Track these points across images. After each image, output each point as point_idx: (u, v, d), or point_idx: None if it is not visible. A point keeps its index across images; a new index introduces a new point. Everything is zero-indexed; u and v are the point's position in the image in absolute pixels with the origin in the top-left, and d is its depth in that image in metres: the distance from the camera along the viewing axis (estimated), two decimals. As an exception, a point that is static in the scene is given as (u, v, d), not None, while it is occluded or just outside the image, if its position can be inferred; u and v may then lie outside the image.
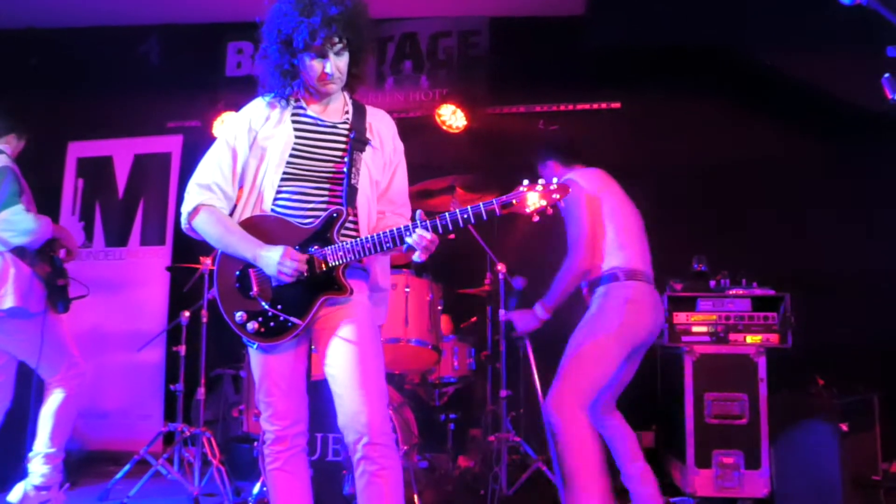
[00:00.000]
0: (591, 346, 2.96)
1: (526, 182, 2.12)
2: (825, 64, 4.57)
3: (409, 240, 2.12)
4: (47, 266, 3.44)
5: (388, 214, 2.41)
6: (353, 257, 2.19)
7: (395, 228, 2.15)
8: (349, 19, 2.18)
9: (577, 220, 3.10)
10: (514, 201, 2.11)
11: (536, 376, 3.85)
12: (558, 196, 2.10)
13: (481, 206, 2.10)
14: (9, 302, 3.25)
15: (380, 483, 2.14)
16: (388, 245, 2.15)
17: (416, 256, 2.14)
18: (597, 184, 3.20)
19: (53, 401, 3.45)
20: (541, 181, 2.11)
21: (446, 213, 2.13)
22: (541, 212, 2.11)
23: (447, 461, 4.14)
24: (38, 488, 3.40)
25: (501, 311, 3.88)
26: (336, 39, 2.18)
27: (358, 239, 2.19)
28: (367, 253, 2.18)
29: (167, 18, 5.60)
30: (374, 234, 2.17)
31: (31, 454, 3.43)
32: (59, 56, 5.54)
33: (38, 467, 3.40)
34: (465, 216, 2.10)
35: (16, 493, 3.42)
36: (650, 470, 3.13)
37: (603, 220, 3.11)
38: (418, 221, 2.12)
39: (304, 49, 2.17)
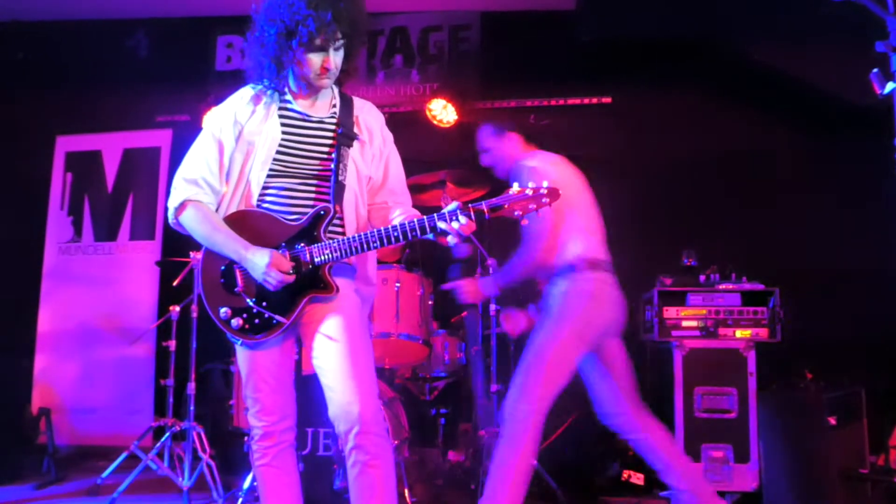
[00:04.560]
0: (553, 347, 2.83)
1: (516, 185, 2.11)
2: (816, 59, 4.58)
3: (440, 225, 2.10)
4: None
5: (391, 205, 2.39)
6: (339, 256, 2.18)
7: (413, 220, 2.13)
8: (352, 15, 2.16)
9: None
10: (504, 205, 2.09)
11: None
12: (548, 200, 2.09)
13: (470, 206, 2.08)
14: None
15: (372, 473, 2.13)
16: (415, 235, 2.13)
17: (451, 240, 2.12)
18: (561, 170, 3.08)
19: None
20: (530, 184, 2.10)
21: (434, 214, 2.12)
22: (530, 216, 2.10)
23: (438, 455, 4.15)
24: None
25: (492, 306, 3.87)
26: (339, 35, 2.16)
27: (346, 237, 2.18)
28: (354, 252, 2.17)
29: (155, 12, 5.55)
30: (385, 228, 2.14)
31: None
32: (47, 49, 5.50)
33: None
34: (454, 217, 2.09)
35: None
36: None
37: (564, 208, 2.95)
38: (457, 212, 2.08)
39: (306, 43, 2.13)
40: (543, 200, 2.09)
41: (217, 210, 2.29)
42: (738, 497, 3.61)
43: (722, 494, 3.62)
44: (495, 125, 3.33)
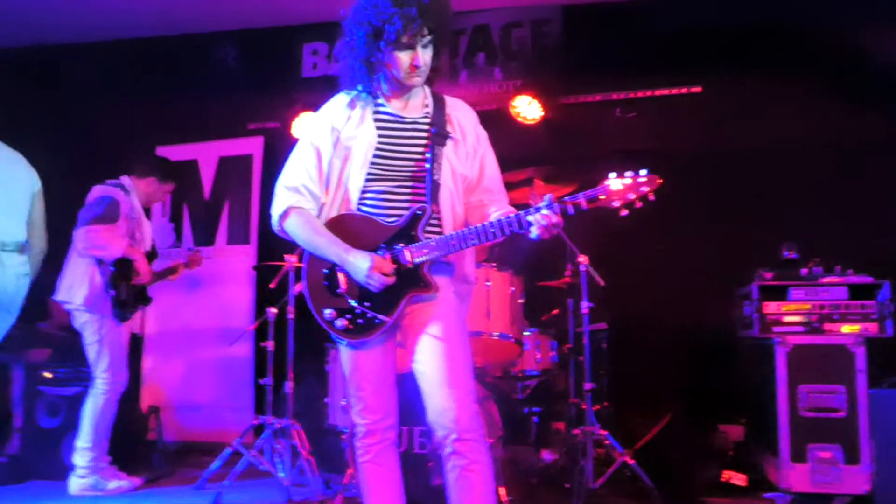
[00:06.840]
0: None
1: (613, 175, 2.05)
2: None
3: (530, 217, 2.09)
4: (121, 279, 4.00)
5: (487, 203, 2.37)
6: (438, 254, 2.19)
7: (511, 215, 2.14)
8: (438, 11, 2.17)
9: None
10: (600, 196, 2.05)
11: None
12: (647, 189, 2.03)
13: (567, 199, 2.06)
14: (78, 300, 3.96)
15: (470, 477, 2.16)
16: (512, 230, 2.13)
17: (534, 232, 2.08)
18: None
19: (90, 400, 3.97)
20: (628, 174, 2.05)
21: (531, 209, 2.10)
22: (628, 205, 2.05)
23: (531, 454, 4.13)
24: (80, 477, 3.92)
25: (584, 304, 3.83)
26: (426, 31, 2.17)
27: (444, 236, 2.20)
28: (452, 249, 2.18)
29: (242, 24, 5.74)
30: (483, 225, 2.15)
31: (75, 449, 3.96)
32: (145, 65, 5.78)
33: (78, 460, 3.93)
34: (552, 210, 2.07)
35: (71, 485, 3.92)
36: None
37: None
38: (542, 207, 2.07)
39: (394, 41, 2.16)
40: (643, 189, 2.04)
41: (318, 216, 2.34)
42: (849, 500, 3.45)
43: (831, 497, 3.49)
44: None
